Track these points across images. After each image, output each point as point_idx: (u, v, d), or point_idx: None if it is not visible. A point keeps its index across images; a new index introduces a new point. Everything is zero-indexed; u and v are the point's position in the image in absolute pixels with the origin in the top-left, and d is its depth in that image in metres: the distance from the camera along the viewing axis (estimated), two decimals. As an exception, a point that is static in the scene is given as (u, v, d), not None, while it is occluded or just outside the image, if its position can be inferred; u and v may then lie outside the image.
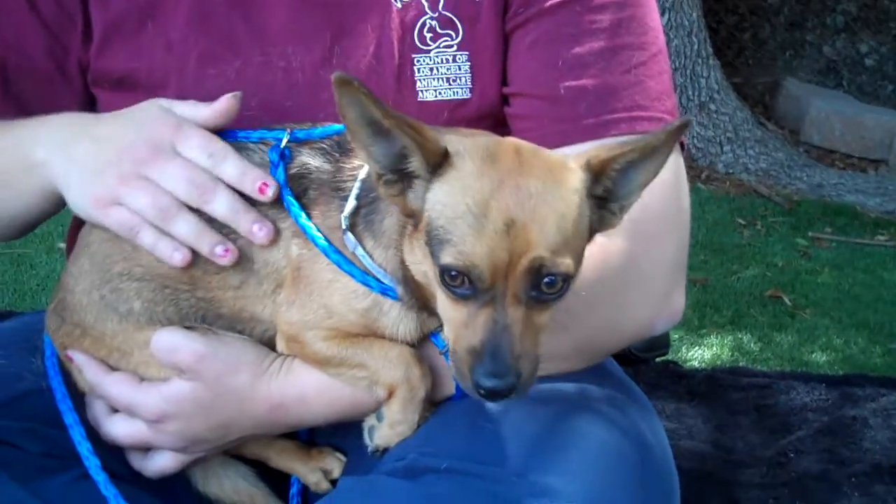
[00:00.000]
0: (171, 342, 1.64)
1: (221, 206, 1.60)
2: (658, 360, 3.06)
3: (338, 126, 1.62)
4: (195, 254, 1.61)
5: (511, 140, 1.47)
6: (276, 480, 1.84)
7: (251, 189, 1.59)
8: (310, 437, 1.87)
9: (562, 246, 1.34)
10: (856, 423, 2.69)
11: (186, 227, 1.60)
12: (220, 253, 1.60)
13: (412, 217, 1.43)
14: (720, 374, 3.22)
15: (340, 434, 1.81)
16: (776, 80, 10.77)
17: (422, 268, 1.44)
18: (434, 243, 1.37)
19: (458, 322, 1.38)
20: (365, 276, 1.56)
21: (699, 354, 5.03)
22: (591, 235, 1.44)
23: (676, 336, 5.23)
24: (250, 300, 1.64)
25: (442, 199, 1.37)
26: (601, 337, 1.74)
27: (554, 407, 1.58)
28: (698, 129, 8.69)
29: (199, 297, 1.65)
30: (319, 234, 1.57)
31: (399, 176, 1.41)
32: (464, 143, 1.41)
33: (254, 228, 1.59)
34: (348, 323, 1.59)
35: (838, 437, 2.65)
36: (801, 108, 9.87)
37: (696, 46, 8.80)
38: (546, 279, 1.34)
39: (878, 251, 7.03)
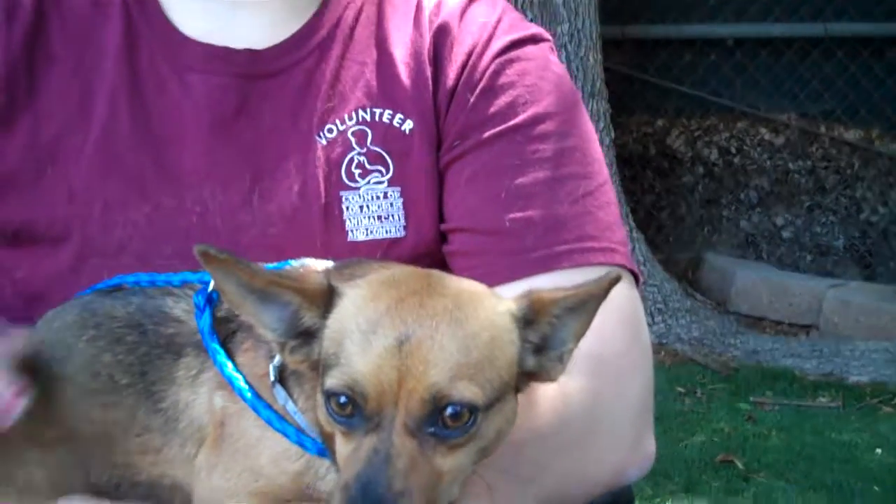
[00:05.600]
0: None
1: None
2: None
3: (269, 265, 1.45)
4: (112, 411, 1.39)
5: (427, 270, 1.33)
6: None
7: None
8: None
9: (466, 369, 1.15)
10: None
11: None
12: None
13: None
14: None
15: None
16: (698, 256, 10.90)
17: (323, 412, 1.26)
18: (323, 374, 1.20)
19: (344, 458, 1.18)
20: (300, 436, 1.34)
21: (656, 524, 4.70)
22: (524, 380, 1.28)
23: (630, 506, 4.90)
24: (171, 465, 1.41)
25: (333, 327, 1.22)
26: (570, 487, 1.56)
27: None
28: (628, 300, 8.64)
29: (115, 462, 1.41)
30: (247, 387, 1.35)
31: (303, 340, 1.26)
32: (366, 275, 1.31)
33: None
34: (278, 487, 1.36)
35: None
36: (727, 279, 9.92)
37: (618, 221, 8.88)
38: (448, 409, 1.15)
39: (822, 412, 6.83)
